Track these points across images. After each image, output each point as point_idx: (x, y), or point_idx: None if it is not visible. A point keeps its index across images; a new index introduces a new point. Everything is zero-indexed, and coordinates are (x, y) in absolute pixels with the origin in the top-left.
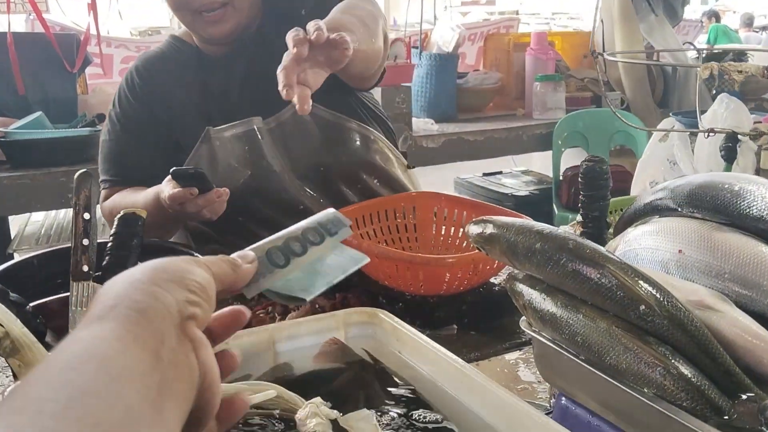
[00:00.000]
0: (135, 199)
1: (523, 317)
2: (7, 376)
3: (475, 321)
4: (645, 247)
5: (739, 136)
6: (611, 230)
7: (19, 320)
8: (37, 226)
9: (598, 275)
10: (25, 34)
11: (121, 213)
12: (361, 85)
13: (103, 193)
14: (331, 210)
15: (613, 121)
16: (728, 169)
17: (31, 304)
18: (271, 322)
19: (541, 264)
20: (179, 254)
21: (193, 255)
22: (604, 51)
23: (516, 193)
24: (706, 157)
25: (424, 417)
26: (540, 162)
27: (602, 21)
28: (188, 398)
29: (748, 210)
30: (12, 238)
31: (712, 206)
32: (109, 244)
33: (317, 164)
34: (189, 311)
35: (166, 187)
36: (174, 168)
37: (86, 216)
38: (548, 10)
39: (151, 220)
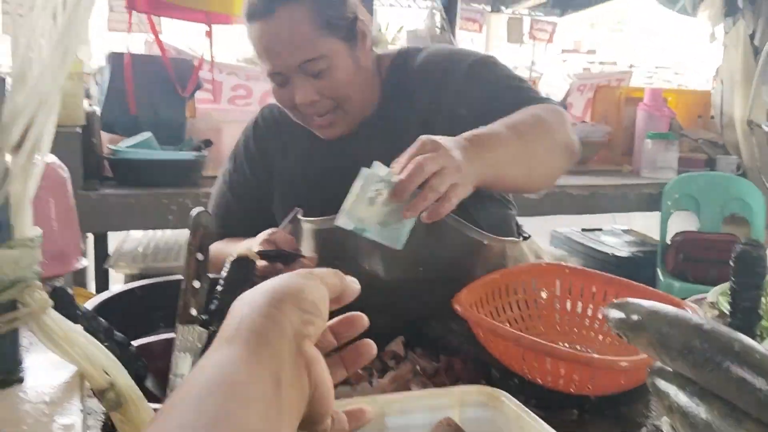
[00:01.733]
0: (229, 250)
1: (665, 418)
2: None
3: (599, 405)
4: None
5: None
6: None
7: (126, 370)
8: (134, 243)
9: (758, 381)
10: (143, 56)
11: (234, 256)
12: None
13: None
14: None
15: (728, 187)
16: None
17: (135, 344)
18: (369, 378)
19: (698, 365)
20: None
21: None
22: (722, 113)
23: (617, 253)
24: None
25: None
26: (642, 222)
27: (722, 82)
28: (300, 411)
29: None
30: (110, 253)
31: None
32: (219, 288)
33: (414, 265)
34: (304, 331)
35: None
36: (258, 250)
37: (199, 257)
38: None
39: None
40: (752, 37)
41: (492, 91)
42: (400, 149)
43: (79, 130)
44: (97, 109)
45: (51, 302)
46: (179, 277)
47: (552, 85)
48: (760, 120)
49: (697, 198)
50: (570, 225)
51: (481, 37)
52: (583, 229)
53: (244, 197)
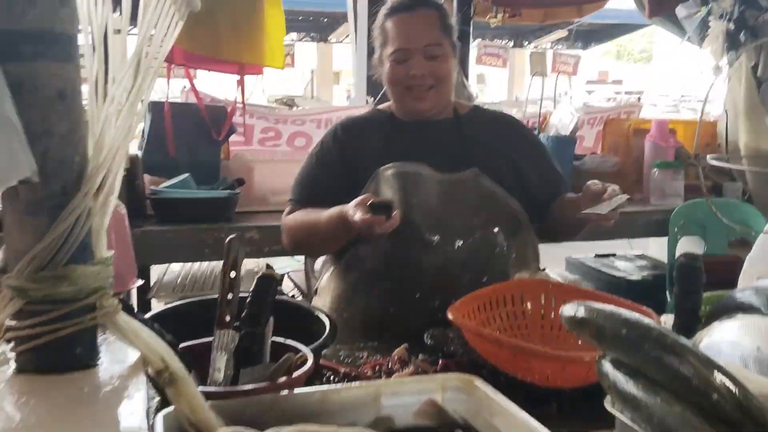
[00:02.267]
0: (318, 215)
1: (608, 396)
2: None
3: (577, 401)
4: (727, 341)
5: None
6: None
7: (176, 357)
8: (174, 275)
9: (678, 364)
10: (180, 104)
11: (260, 274)
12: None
13: (287, 208)
14: None
15: (733, 212)
16: None
17: (181, 345)
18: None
19: (625, 349)
20: (303, 312)
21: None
22: (727, 142)
23: (629, 278)
24: None
25: None
26: (657, 246)
27: (726, 112)
28: None
29: None
30: (151, 285)
31: None
32: (248, 300)
33: (462, 230)
34: None
35: (356, 212)
36: (372, 201)
37: (232, 275)
38: (677, 92)
39: (327, 232)
40: (755, 69)
41: (547, 168)
42: (458, 156)
43: (123, 173)
44: (139, 153)
45: (121, 305)
46: (213, 296)
47: (562, 120)
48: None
49: (703, 223)
50: (586, 251)
51: (504, 72)
52: (597, 255)
53: (330, 171)
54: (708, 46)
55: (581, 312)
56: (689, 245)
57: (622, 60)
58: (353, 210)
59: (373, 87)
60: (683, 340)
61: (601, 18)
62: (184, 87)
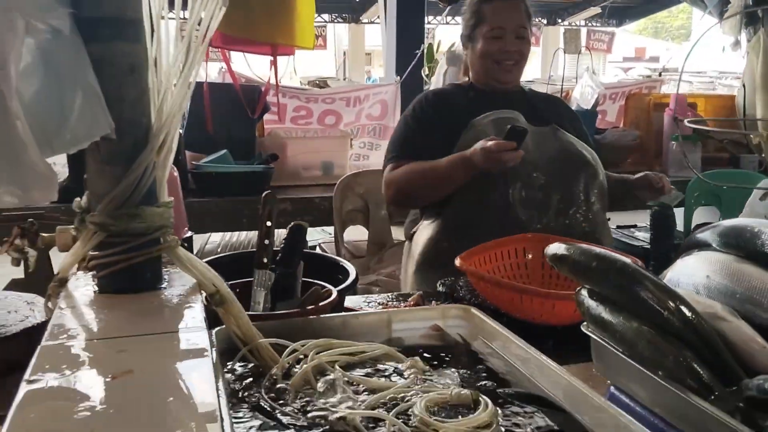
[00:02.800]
0: (432, 162)
1: (584, 321)
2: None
3: (567, 336)
4: (684, 273)
5: None
6: None
7: (225, 283)
8: (214, 245)
9: (637, 288)
10: (218, 84)
11: (291, 224)
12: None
13: (389, 166)
14: None
15: (748, 181)
16: None
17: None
18: None
19: (595, 279)
20: (330, 261)
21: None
22: (744, 115)
23: (646, 246)
24: None
25: (496, 386)
26: (680, 218)
27: (744, 86)
28: None
29: (762, 247)
30: (194, 253)
31: (736, 244)
32: (282, 246)
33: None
34: None
35: (482, 143)
36: (511, 125)
37: (268, 224)
38: (715, 69)
39: (446, 174)
40: None
41: (586, 140)
42: (532, 119)
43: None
44: (180, 131)
45: (179, 240)
46: (246, 251)
47: (583, 95)
48: None
49: (717, 193)
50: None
51: (537, 50)
52: (618, 226)
53: (425, 128)
54: (727, 22)
55: (561, 250)
56: (705, 215)
57: (659, 37)
58: (482, 142)
59: (401, 65)
60: (642, 270)
61: None
62: (221, 68)
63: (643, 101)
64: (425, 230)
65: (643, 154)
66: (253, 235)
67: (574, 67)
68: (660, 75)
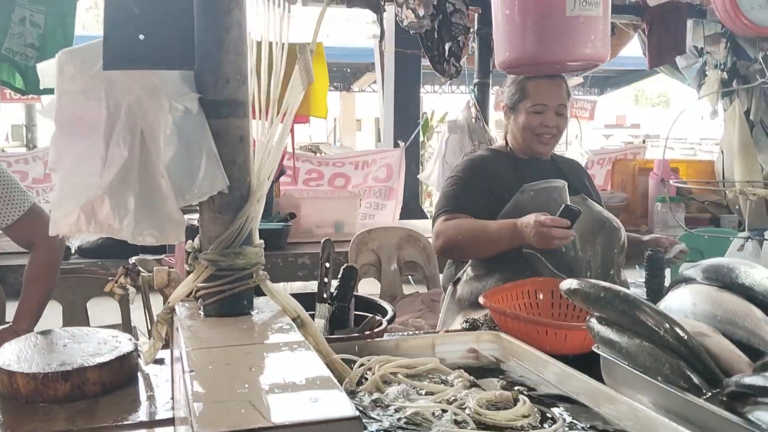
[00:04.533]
0: (484, 223)
1: (595, 344)
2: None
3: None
4: (675, 302)
5: None
6: None
7: (305, 311)
8: None
9: (637, 313)
10: None
11: (345, 265)
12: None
13: (441, 218)
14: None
15: (729, 240)
16: None
17: None
18: None
19: (604, 306)
20: (374, 306)
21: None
22: (723, 179)
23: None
24: None
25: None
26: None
27: (722, 152)
28: None
29: (737, 279)
30: None
31: (715, 277)
32: (336, 284)
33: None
34: None
35: (535, 217)
36: (566, 205)
37: (327, 265)
38: (696, 135)
39: (495, 238)
40: (747, 113)
41: (599, 200)
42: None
43: None
44: None
45: (268, 276)
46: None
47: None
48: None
49: (702, 251)
50: None
51: None
52: None
53: (474, 188)
54: (705, 93)
55: (574, 284)
56: None
57: (639, 104)
58: (535, 216)
59: (399, 132)
60: (641, 298)
61: (615, 65)
62: None
63: (628, 166)
64: (471, 282)
65: (631, 214)
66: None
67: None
68: (644, 142)
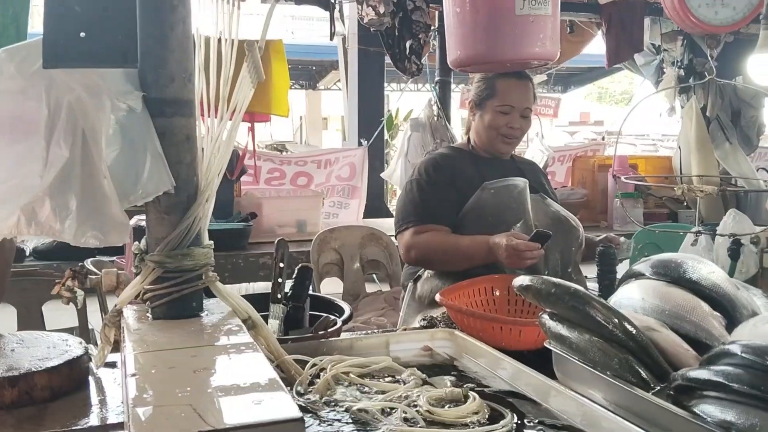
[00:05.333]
0: (458, 239)
1: (547, 339)
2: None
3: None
4: (625, 297)
5: (741, 240)
6: None
7: (256, 312)
8: None
9: (587, 308)
10: None
11: (300, 265)
12: None
13: (412, 229)
14: None
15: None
16: (733, 266)
17: None
18: None
19: (555, 302)
20: (332, 306)
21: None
22: (681, 174)
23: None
24: (724, 257)
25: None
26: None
27: (679, 147)
28: None
29: (684, 274)
30: None
31: (664, 272)
32: (291, 284)
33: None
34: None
35: (504, 239)
36: (538, 230)
37: (281, 265)
38: (658, 132)
39: (468, 254)
40: (704, 109)
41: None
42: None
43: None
44: None
45: (218, 277)
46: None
47: (534, 158)
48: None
49: (659, 246)
50: None
51: None
52: None
53: (439, 192)
54: (663, 90)
55: (526, 281)
56: None
57: (603, 101)
58: (508, 238)
59: (363, 130)
60: (590, 294)
61: (578, 63)
62: None
63: (588, 163)
64: (431, 280)
65: (591, 210)
66: (236, 287)
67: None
68: (603, 139)
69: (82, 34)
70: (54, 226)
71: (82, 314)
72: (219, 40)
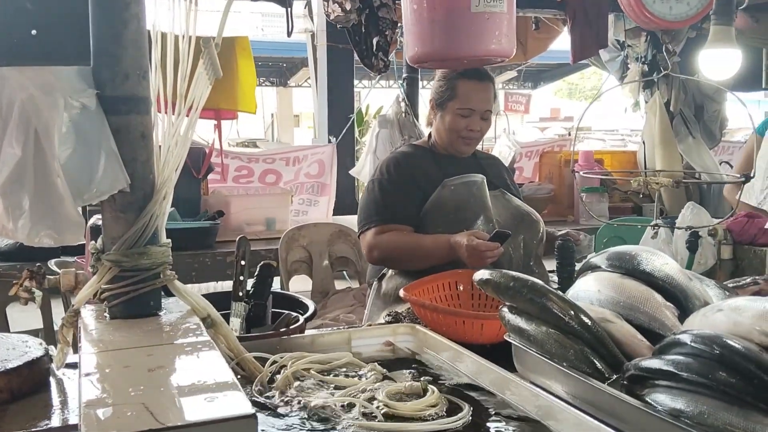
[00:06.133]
0: (420, 238)
1: (507, 333)
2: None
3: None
4: (582, 289)
5: (699, 232)
6: None
7: (215, 310)
8: None
9: (544, 300)
10: None
11: (261, 263)
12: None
13: (374, 230)
14: None
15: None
16: (691, 258)
17: None
18: None
19: (513, 296)
20: (296, 304)
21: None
22: (646, 169)
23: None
24: (683, 249)
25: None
26: None
27: (644, 142)
28: None
29: (638, 266)
30: None
31: (619, 265)
32: (253, 282)
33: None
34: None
35: (464, 238)
36: (497, 230)
37: (242, 263)
38: (626, 127)
39: (431, 254)
40: (667, 104)
41: (517, 193)
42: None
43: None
44: None
45: (176, 275)
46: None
47: (501, 154)
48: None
49: (624, 238)
50: None
51: None
52: None
53: (402, 191)
54: (627, 85)
55: (486, 275)
56: None
57: (573, 97)
58: (468, 238)
59: (333, 127)
60: (547, 286)
61: (547, 59)
62: None
63: (555, 158)
64: (396, 278)
65: (558, 205)
66: (203, 286)
67: (492, 127)
68: (569, 134)
69: (34, 32)
70: (7, 225)
71: (47, 315)
72: (176, 37)
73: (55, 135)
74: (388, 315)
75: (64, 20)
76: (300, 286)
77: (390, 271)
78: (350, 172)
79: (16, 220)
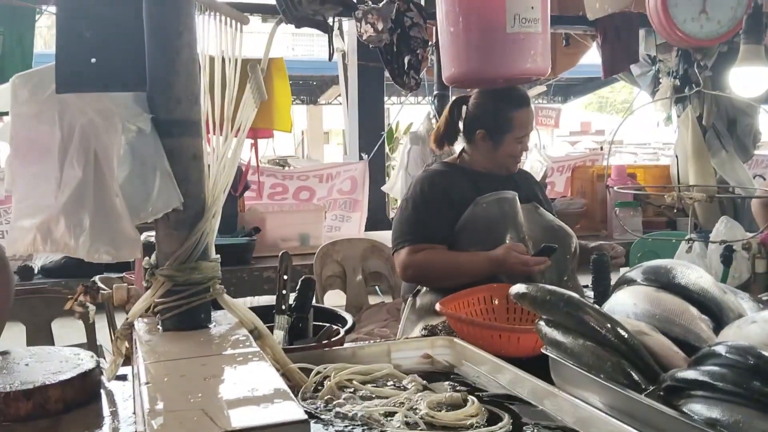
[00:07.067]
0: (455, 256)
1: (544, 345)
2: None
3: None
4: (618, 303)
5: (734, 246)
6: None
7: (261, 322)
8: None
9: (580, 314)
10: None
11: (303, 277)
12: None
13: (408, 248)
14: None
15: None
16: (726, 272)
17: None
18: None
19: (550, 309)
20: (335, 317)
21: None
22: (679, 183)
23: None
24: (717, 263)
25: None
26: None
27: (677, 156)
28: None
29: (673, 280)
30: None
31: (654, 279)
32: (294, 296)
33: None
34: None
35: (505, 252)
36: (544, 244)
37: (285, 277)
38: (658, 140)
39: (471, 271)
40: (700, 118)
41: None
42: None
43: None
44: None
45: (225, 289)
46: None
47: (533, 169)
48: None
49: (658, 252)
50: None
51: None
52: None
53: (435, 210)
54: (658, 100)
55: (522, 289)
56: None
57: (604, 111)
58: (508, 252)
59: (364, 144)
60: (585, 301)
61: (577, 73)
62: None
63: (587, 173)
64: (431, 293)
65: (590, 220)
66: (241, 301)
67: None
68: (602, 149)
69: (93, 60)
70: (69, 242)
71: (91, 330)
72: (223, 61)
73: (113, 157)
74: (424, 329)
75: (122, 48)
76: (334, 300)
77: (424, 288)
78: (382, 188)
79: (77, 237)
